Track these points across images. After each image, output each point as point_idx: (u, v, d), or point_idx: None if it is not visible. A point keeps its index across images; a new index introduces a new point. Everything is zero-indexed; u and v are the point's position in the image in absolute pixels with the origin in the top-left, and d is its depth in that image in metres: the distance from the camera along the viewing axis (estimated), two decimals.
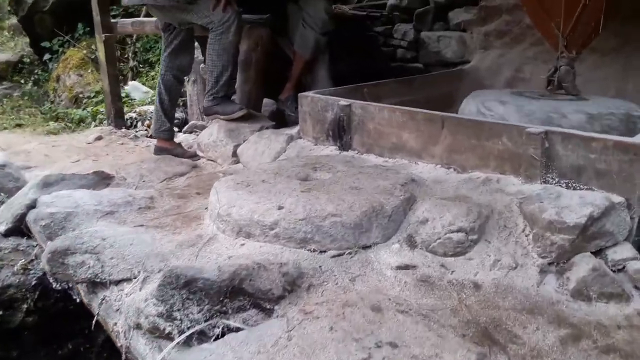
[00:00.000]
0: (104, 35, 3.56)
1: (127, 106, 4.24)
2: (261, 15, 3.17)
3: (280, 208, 1.55)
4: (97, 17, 3.56)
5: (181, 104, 4.23)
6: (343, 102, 2.21)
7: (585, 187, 1.59)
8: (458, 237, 1.49)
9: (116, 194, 1.97)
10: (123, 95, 4.27)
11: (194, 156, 2.90)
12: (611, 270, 1.47)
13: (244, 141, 2.65)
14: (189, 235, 1.65)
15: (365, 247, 1.55)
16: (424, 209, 1.60)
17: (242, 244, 1.55)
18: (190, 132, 3.62)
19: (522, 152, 1.69)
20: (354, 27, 4.17)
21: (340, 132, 2.24)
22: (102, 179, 2.46)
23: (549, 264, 1.47)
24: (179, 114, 4.09)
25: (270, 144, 2.45)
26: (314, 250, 1.51)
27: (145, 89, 4.61)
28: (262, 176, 1.84)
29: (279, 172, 1.87)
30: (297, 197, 1.61)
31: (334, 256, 1.51)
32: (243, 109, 2.78)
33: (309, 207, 1.54)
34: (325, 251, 1.51)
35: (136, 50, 5.06)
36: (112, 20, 3.66)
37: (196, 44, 3.40)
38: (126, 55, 5.07)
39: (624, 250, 1.50)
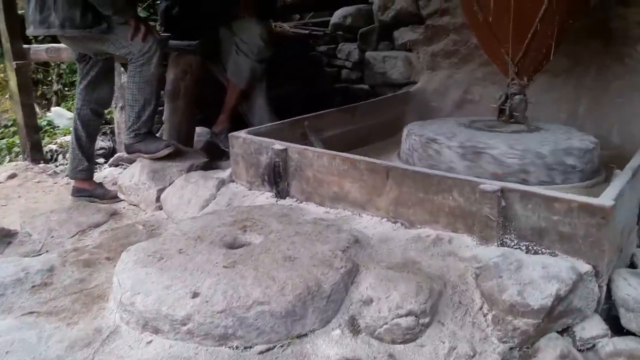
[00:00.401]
0: (15, 62, 3.18)
1: (48, 136, 3.85)
2: (190, 41, 2.88)
3: (195, 296, 1.28)
4: (6, 43, 3.17)
5: (109, 131, 3.89)
6: (278, 145, 1.96)
7: (548, 251, 1.41)
8: (407, 323, 1.27)
9: (5, 268, 1.64)
10: (44, 123, 3.86)
11: (114, 198, 2.58)
12: (579, 349, 1.29)
13: (170, 184, 2.36)
14: (87, 327, 1.36)
15: (301, 336, 1.30)
16: (368, 284, 1.37)
17: (149, 341, 1.27)
18: (117, 165, 3.28)
19: (475, 211, 1.49)
20: (296, 47, 3.94)
21: (276, 179, 1.99)
22: (1, 238, 2.12)
23: (511, 348, 1.26)
24: (105, 143, 3.74)
25: (198, 190, 2.17)
26: (237, 347, 1.25)
27: (70, 115, 4.21)
28: (180, 243, 1.56)
29: (201, 236, 1.60)
30: (217, 276, 1.35)
31: (261, 352, 1.25)
32: (170, 146, 2.49)
33: (230, 292, 1.28)
34: (251, 347, 1.26)
35: (61, 72, 4.64)
36: (25, 46, 3.27)
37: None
38: (50, 78, 4.64)
39: (593, 326, 1.32)
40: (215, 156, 2.89)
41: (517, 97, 2.39)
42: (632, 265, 1.60)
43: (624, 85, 2.79)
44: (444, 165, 2.15)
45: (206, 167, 2.56)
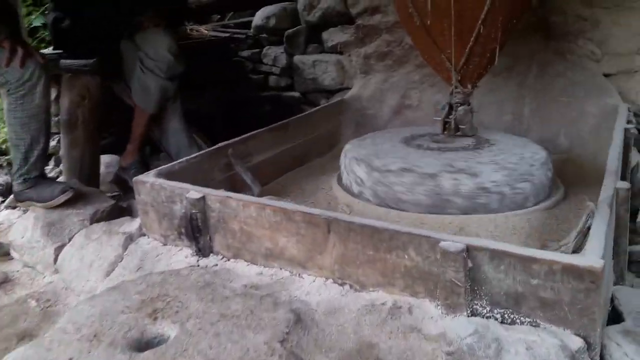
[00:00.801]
0: None
1: None
2: (87, 59, 2.45)
3: None
4: None
5: (5, 163, 3.36)
6: (194, 194, 1.62)
7: (528, 319, 1.16)
8: None
9: None
10: None
11: (6, 255, 2.15)
12: None
13: (69, 239, 1.96)
14: None
15: None
16: None
17: None
18: (14, 208, 2.80)
19: (438, 273, 1.22)
20: (216, 52, 3.56)
21: (195, 233, 1.64)
22: None
23: None
24: (2, 178, 3.21)
25: (101, 250, 1.79)
26: None
27: None
28: (71, 348, 1.20)
29: (99, 333, 1.24)
30: None
31: None
32: (67, 191, 2.08)
33: None
34: None
35: None
36: None
37: None
38: None
39: None
40: (128, 189, 2.50)
41: (461, 108, 2.15)
42: (614, 309, 1.39)
43: (568, 83, 2.63)
44: (391, 197, 1.89)
45: (114, 211, 2.17)
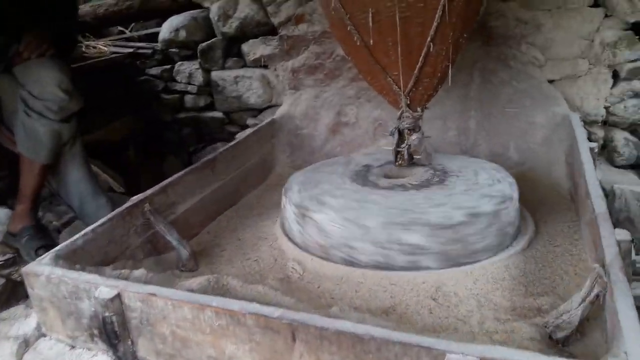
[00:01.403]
0: None
1: None
2: None
3: None
4: None
5: None
6: (105, 292, 1.23)
7: None
8: None
9: None
10: None
11: None
12: None
13: None
14: None
15: None
16: None
17: None
18: None
19: None
20: (119, 72, 3.09)
21: (111, 339, 1.27)
22: None
23: None
24: None
25: None
26: None
27: None
28: None
29: None
30: None
31: None
32: None
33: None
34: None
35: None
36: None
37: None
38: None
39: None
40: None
41: (415, 137, 1.91)
42: None
43: (513, 92, 2.47)
44: (350, 253, 1.61)
45: (5, 292, 1.72)
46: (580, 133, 2.01)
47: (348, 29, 1.83)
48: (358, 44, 1.85)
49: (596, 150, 1.91)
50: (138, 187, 2.01)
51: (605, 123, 2.48)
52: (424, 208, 1.59)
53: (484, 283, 1.50)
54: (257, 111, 3.05)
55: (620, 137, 2.43)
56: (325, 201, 1.72)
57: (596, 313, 1.19)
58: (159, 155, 3.17)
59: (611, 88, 2.41)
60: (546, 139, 2.36)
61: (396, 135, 1.98)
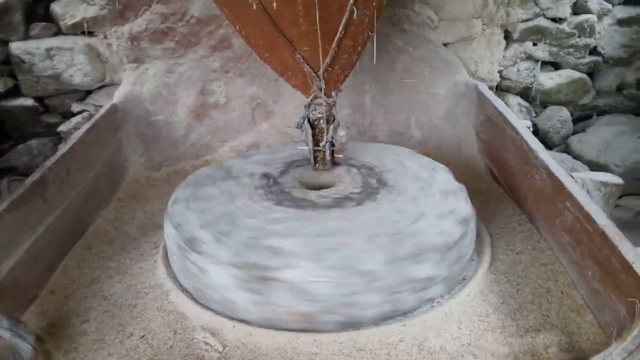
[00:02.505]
0: None
1: None
2: None
3: None
4: None
5: None
6: None
7: None
8: None
9: None
10: None
11: None
12: None
13: None
14: None
15: None
16: None
17: None
18: None
19: None
20: None
21: None
22: None
23: None
24: None
25: None
26: None
27: None
28: None
29: None
30: None
31: None
32: None
33: None
34: None
35: None
36: None
37: None
38: None
39: None
40: None
41: (343, 134, 1.48)
42: None
43: (409, 60, 2.17)
44: (217, 294, 1.17)
45: None
46: (503, 106, 1.77)
47: None
48: (254, 7, 1.32)
49: (531, 129, 1.69)
50: None
51: (497, 88, 2.33)
52: (407, 225, 1.20)
53: (468, 325, 1.18)
54: (84, 93, 2.29)
55: (514, 103, 2.31)
56: (231, 232, 1.22)
57: None
58: None
59: (504, 50, 2.25)
60: (450, 112, 2.12)
61: (307, 129, 1.52)
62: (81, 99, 2.30)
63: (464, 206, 1.34)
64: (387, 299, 1.15)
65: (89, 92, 2.28)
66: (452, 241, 1.22)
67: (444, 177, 1.47)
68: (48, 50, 2.14)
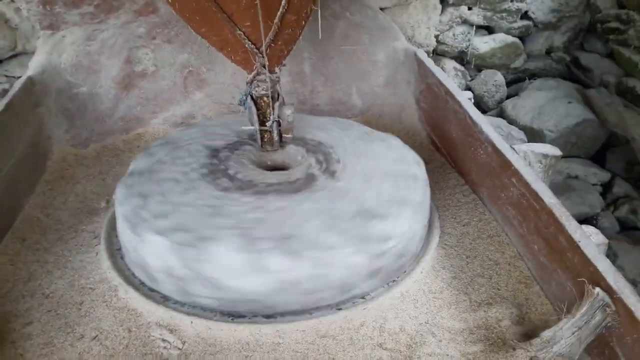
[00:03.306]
0: None
1: None
2: None
3: None
4: None
5: None
6: None
7: None
8: None
9: None
10: None
11: None
12: None
13: None
14: None
15: None
16: None
17: None
18: None
19: None
20: None
21: None
22: None
23: None
24: None
25: None
26: None
27: None
28: None
29: None
30: None
31: None
32: None
33: None
34: None
35: None
36: None
37: None
38: None
39: None
40: None
41: (290, 113, 1.43)
42: None
43: (347, 26, 2.12)
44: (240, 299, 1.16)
45: None
46: (444, 76, 1.78)
47: None
48: None
49: (472, 101, 1.72)
50: None
51: (433, 52, 2.35)
52: (328, 239, 1.17)
53: (424, 303, 1.21)
54: None
55: (450, 67, 2.34)
56: (187, 221, 1.17)
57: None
58: None
59: (440, 15, 2.25)
60: (390, 79, 2.11)
61: (251, 107, 1.46)
62: None
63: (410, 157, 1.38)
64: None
65: None
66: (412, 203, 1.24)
67: (398, 153, 1.47)
68: None
